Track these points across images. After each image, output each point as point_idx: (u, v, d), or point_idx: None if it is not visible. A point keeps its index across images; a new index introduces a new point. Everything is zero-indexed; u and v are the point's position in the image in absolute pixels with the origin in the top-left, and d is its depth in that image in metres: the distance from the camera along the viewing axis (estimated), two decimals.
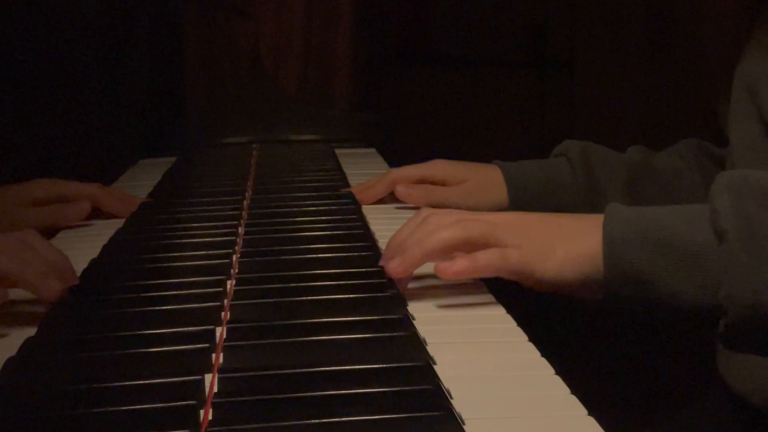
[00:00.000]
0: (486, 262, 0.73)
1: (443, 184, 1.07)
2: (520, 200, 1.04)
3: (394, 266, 0.74)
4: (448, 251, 0.75)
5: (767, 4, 0.94)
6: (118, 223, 0.99)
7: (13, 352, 0.61)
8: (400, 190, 1.05)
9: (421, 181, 1.08)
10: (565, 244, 0.73)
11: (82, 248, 0.90)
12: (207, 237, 0.91)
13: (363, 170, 1.26)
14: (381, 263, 0.77)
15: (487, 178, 1.06)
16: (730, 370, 0.92)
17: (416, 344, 0.62)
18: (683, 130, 1.11)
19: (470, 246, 0.74)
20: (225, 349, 0.61)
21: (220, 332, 0.64)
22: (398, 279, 0.75)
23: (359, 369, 0.57)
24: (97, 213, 1.06)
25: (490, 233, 0.74)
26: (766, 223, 0.67)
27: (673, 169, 1.08)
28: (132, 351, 0.61)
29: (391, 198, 1.08)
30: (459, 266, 0.72)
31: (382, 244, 0.88)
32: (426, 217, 0.77)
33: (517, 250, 0.73)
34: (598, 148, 1.09)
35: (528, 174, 1.06)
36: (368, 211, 1.03)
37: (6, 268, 0.71)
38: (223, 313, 0.69)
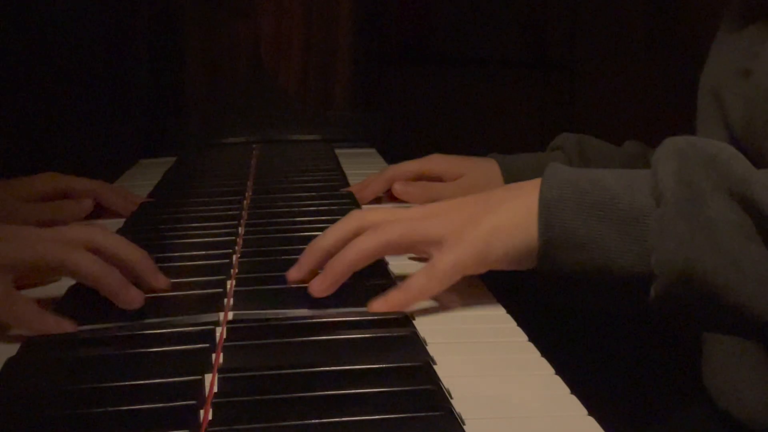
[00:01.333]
0: (417, 286, 0.70)
1: (440, 178, 1.07)
2: None
3: (316, 286, 0.71)
4: (371, 260, 0.73)
5: (728, 9, 0.93)
6: (118, 223, 0.99)
7: (13, 352, 0.61)
8: (398, 189, 1.05)
9: (419, 177, 1.08)
10: (492, 216, 0.71)
11: None
12: (207, 237, 0.91)
13: (363, 170, 1.26)
14: (289, 274, 0.75)
15: (483, 172, 1.06)
16: (715, 385, 0.92)
17: (416, 344, 0.62)
18: (683, 130, 1.11)
19: (399, 249, 0.74)
20: (225, 349, 0.61)
21: (220, 332, 0.64)
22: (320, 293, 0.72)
23: (359, 369, 0.57)
24: (98, 213, 1.06)
25: (411, 231, 0.72)
26: (708, 191, 0.65)
27: None
28: (132, 351, 0.61)
29: (390, 197, 1.08)
30: (391, 301, 0.70)
31: None
32: (348, 221, 0.75)
33: (444, 256, 0.71)
34: (593, 140, 1.09)
35: (524, 166, 1.06)
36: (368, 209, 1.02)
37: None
38: (223, 313, 0.69)
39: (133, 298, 0.69)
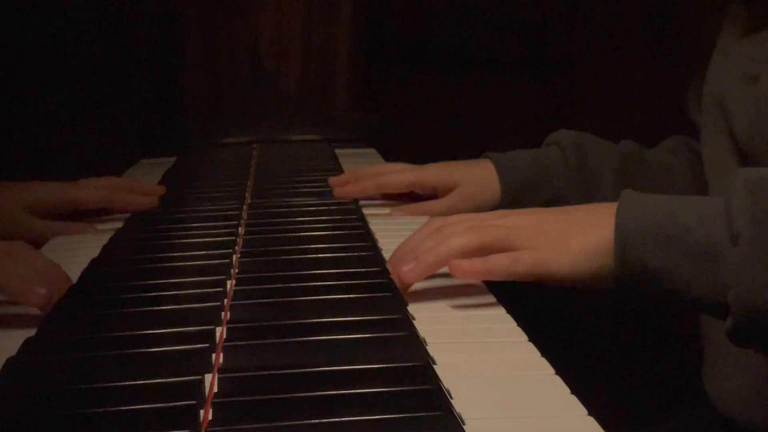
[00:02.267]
0: (499, 264, 0.73)
1: (434, 189, 1.06)
2: (512, 190, 1.04)
3: (407, 270, 0.74)
4: (462, 257, 0.74)
5: (731, 15, 0.92)
6: (118, 224, 0.99)
7: (13, 352, 0.61)
8: (398, 214, 1.04)
9: (412, 187, 1.07)
10: (578, 239, 0.73)
11: (82, 249, 0.90)
12: (207, 237, 0.91)
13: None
14: (390, 266, 0.77)
15: (477, 179, 1.05)
16: (715, 389, 0.92)
17: (416, 344, 0.62)
18: (683, 130, 1.11)
19: (485, 251, 0.74)
20: (225, 349, 0.61)
21: (220, 332, 0.64)
22: (404, 284, 0.75)
23: (359, 369, 0.57)
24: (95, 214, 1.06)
25: (504, 237, 0.74)
26: None
27: (664, 162, 1.07)
28: (132, 351, 0.61)
29: (388, 195, 1.08)
30: (472, 265, 0.73)
31: (381, 244, 0.88)
32: (440, 227, 0.77)
33: (530, 252, 0.73)
34: (589, 136, 1.08)
35: (519, 163, 1.06)
36: (368, 210, 1.03)
37: None
38: (223, 313, 0.69)
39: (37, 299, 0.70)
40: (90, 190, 1.04)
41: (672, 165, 1.07)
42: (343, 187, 1.09)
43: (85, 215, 1.04)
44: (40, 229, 0.98)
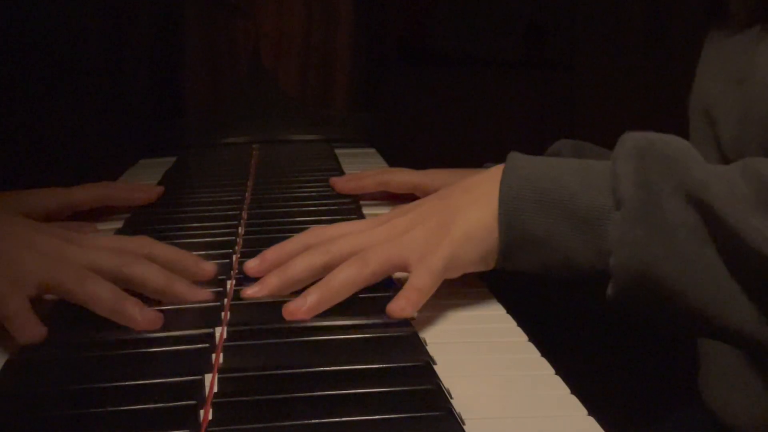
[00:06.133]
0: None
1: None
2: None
3: (291, 313, 0.68)
4: (357, 289, 0.71)
5: (715, 20, 0.92)
6: (118, 224, 0.99)
7: (13, 352, 0.61)
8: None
9: (414, 190, 1.07)
10: (460, 224, 0.72)
11: None
12: (207, 237, 0.91)
13: (363, 170, 1.26)
14: (248, 265, 0.75)
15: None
16: (709, 392, 0.92)
17: (416, 344, 0.62)
18: (683, 130, 1.12)
19: (379, 277, 0.72)
20: (225, 350, 0.61)
21: (221, 332, 0.64)
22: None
23: (359, 369, 0.57)
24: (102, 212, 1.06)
25: (390, 256, 0.71)
26: (665, 194, 0.66)
27: None
28: (132, 351, 0.61)
29: (388, 196, 1.08)
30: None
31: None
32: (319, 248, 0.74)
33: (419, 268, 0.70)
34: (591, 146, 1.08)
35: None
36: (368, 211, 1.02)
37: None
38: (223, 314, 0.69)
39: (146, 319, 0.67)
40: (85, 190, 1.04)
41: None
42: (345, 183, 1.09)
43: (84, 217, 1.04)
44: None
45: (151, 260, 0.72)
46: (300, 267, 0.72)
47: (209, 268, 0.75)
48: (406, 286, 0.70)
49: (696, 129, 0.91)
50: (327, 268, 0.72)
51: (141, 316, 0.66)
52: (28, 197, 1.02)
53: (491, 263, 0.73)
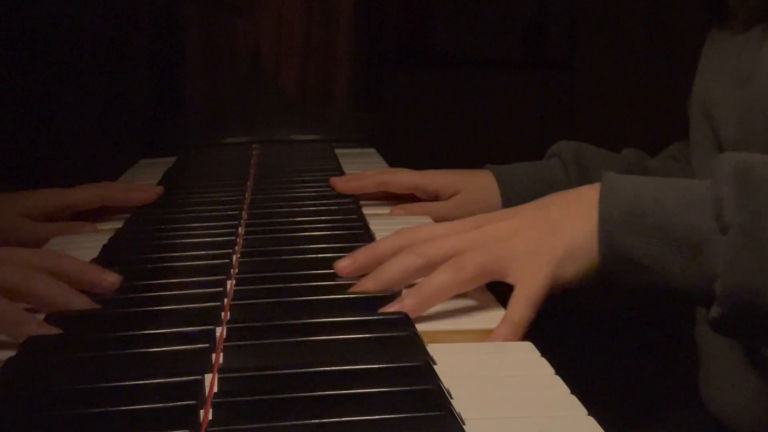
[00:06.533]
0: (523, 312, 0.69)
1: (436, 194, 1.06)
2: (513, 203, 1.03)
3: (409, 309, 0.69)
4: (453, 295, 0.72)
5: (717, 20, 0.91)
6: (118, 224, 0.99)
7: (13, 352, 0.61)
8: (399, 213, 1.04)
9: (414, 190, 1.07)
10: (560, 239, 0.71)
11: (82, 249, 0.90)
12: (207, 237, 0.91)
13: (363, 170, 1.26)
14: (339, 265, 0.76)
15: (479, 187, 1.05)
16: (709, 393, 0.92)
17: (416, 344, 0.62)
18: (683, 130, 1.12)
19: (474, 283, 0.72)
20: (225, 349, 0.61)
21: (220, 332, 0.64)
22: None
23: (359, 369, 0.57)
24: (101, 212, 1.06)
25: (487, 263, 0.71)
26: None
27: (666, 171, 1.07)
28: (132, 351, 0.61)
29: (388, 196, 1.08)
30: (503, 334, 0.68)
31: None
32: (412, 247, 0.74)
33: (521, 282, 0.70)
34: (591, 148, 1.08)
35: (520, 176, 1.05)
36: (368, 210, 1.03)
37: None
38: (223, 313, 0.69)
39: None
40: (85, 190, 1.04)
41: (676, 172, 1.07)
42: (345, 183, 1.09)
43: (84, 217, 1.04)
44: (41, 233, 0.98)
45: (56, 273, 0.72)
46: (395, 270, 0.72)
47: (112, 279, 0.75)
48: (504, 318, 0.69)
49: (696, 129, 0.90)
50: (422, 272, 0.72)
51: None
52: (27, 198, 1.02)
53: (590, 282, 0.72)
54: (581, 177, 1.04)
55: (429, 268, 0.72)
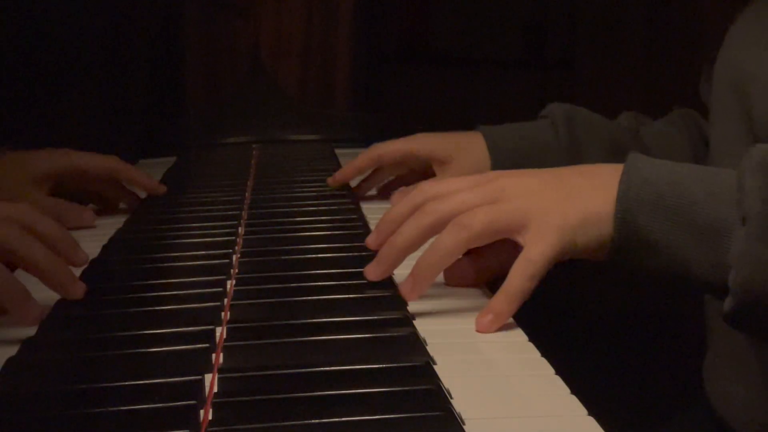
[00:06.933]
0: (521, 290, 0.68)
1: (428, 157, 1.06)
2: (502, 166, 1.02)
3: (408, 292, 0.71)
4: (458, 255, 0.72)
5: None
6: (118, 223, 1.00)
7: (13, 352, 0.61)
8: (398, 199, 1.04)
9: (406, 156, 1.07)
10: (576, 205, 0.70)
11: (83, 248, 0.90)
12: (207, 237, 0.91)
13: None
14: (368, 240, 0.77)
15: (468, 151, 1.05)
16: (714, 392, 0.91)
17: (416, 344, 0.62)
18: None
19: (480, 241, 0.71)
20: (225, 349, 0.61)
21: (220, 332, 0.64)
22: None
23: (359, 369, 0.57)
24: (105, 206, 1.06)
25: (495, 220, 0.70)
26: None
27: (661, 137, 1.06)
28: (132, 351, 0.61)
29: (387, 195, 1.08)
30: (498, 312, 0.68)
31: None
32: (423, 208, 0.74)
33: (533, 243, 0.69)
34: (584, 111, 1.08)
35: (509, 138, 1.05)
36: (368, 211, 1.03)
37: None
38: (223, 313, 0.69)
39: (75, 289, 0.70)
40: (95, 158, 1.04)
41: (670, 134, 1.06)
42: (340, 173, 1.09)
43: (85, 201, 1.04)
44: (44, 207, 0.98)
45: (31, 231, 0.72)
46: (408, 233, 0.73)
47: (83, 257, 0.77)
48: (501, 288, 0.69)
49: (721, 102, 0.87)
50: (436, 229, 0.72)
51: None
52: (36, 158, 1.02)
53: (601, 255, 0.70)
54: (571, 140, 1.04)
55: (441, 224, 0.72)
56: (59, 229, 0.75)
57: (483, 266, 0.76)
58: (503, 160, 1.03)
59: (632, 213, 0.68)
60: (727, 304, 0.66)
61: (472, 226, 0.71)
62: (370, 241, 0.78)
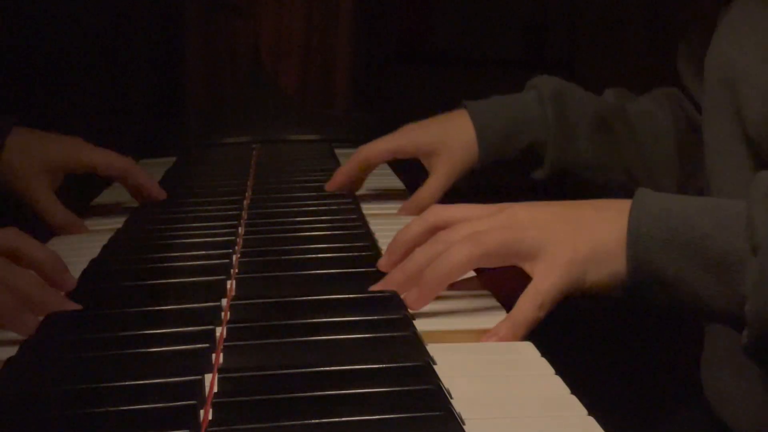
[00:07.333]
0: (529, 319, 0.68)
1: (415, 154, 1.06)
2: (490, 144, 1.04)
3: (413, 301, 0.70)
4: (466, 271, 0.72)
5: None
6: (118, 223, 1.00)
7: (13, 352, 0.61)
8: (406, 212, 1.03)
9: (394, 155, 1.07)
10: (586, 240, 0.69)
11: (82, 249, 0.90)
12: (207, 237, 0.91)
13: None
14: (380, 263, 0.77)
15: (454, 136, 1.05)
16: (712, 393, 0.91)
17: (416, 344, 0.62)
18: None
19: (490, 260, 0.71)
20: (225, 349, 0.61)
21: (220, 332, 0.64)
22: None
23: (359, 369, 0.57)
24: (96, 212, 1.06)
25: (510, 242, 0.70)
26: None
27: (645, 112, 1.07)
28: (132, 351, 0.61)
29: (388, 195, 1.09)
30: (502, 335, 0.67)
31: (382, 243, 0.88)
32: (436, 237, 0.74)
33: (542, 275, 0.69)
34: (572, 86, 1.08)
35: (496, 114, 1.06)
36: (368, 210, 1.03)
37: None
38: (223, 313, 0.69)
39: (23, 323, 0.67)
40: (111, 158, 1.05)
41: (654, 113, 1.07)
42: (332, 181, 1.09)
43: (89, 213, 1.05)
44: (43, 205, 0.99)
45: (19, 255, 0.72)
46: (419, 261, 0.72)
47: (71, 281, 0.75)
48: (508, 315, 0.68)
49: (714, 97, 0.86)
50: None
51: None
52: (49, 145, 1.02)
53: (613, 292, 0.70)
54: (557, 115, 1.04)
55: None
56: (47, 253, 0.75)
57: (490, 288, 0.76)
58: (490, 140, 1.04)
59: (645, 251, 0.68)
60: (745, 335, 0.66)
61: (487, 243, 0.70)
62: (382, 263, 0.77)
